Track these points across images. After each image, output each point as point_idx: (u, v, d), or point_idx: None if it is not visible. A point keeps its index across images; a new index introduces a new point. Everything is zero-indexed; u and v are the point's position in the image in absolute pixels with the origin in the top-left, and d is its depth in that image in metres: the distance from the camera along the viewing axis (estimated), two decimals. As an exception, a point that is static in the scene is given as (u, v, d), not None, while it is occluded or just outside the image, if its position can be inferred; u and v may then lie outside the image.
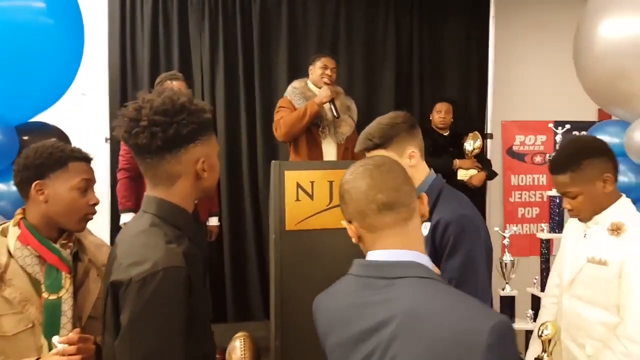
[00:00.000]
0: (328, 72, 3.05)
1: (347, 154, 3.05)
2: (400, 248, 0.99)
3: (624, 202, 1.65)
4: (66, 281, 1.37)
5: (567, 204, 1.69)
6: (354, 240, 1.06)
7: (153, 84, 3.53)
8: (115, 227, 3.47)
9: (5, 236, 1.39)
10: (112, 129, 3.53)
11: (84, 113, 3.43)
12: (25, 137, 2.30)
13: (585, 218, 1.69)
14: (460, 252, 1.39)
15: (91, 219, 1.46)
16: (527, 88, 4.05)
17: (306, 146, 2.97)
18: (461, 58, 3.90)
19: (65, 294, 1.37)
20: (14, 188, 2.08)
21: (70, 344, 1.20)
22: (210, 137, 1.19)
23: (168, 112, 1.09)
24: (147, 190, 1.18)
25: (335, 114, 2.93)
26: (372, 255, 1.01)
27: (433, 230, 1.44)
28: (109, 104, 3.55)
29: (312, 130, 2.97)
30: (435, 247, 1.44)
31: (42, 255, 1.37)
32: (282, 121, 2.92)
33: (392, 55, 3.79)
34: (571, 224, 1.85)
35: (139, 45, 3.59)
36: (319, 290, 2.01)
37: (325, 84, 2.98)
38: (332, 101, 2.93)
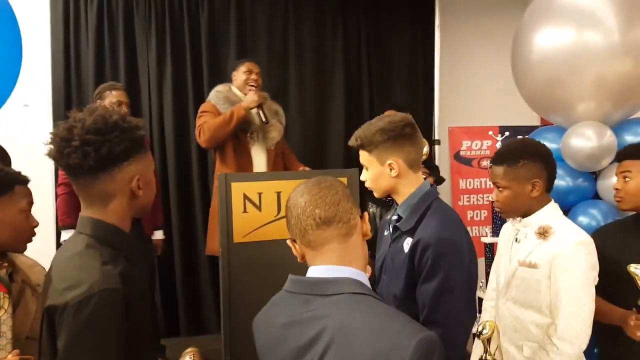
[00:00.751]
0: (253, 76, 2.95)
1: (278, 160, 3.00)
2: (338, 264, 1.01)
3: (551, 206, 1.72)
4: (4, 301, 1.35)
5: (494, 195, 1.74)
6: (299, 259, 1.08)
7: (99, 94, 3.47)
8: (59, 244, 3.37)
9: None
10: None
11: (26, 125, 3.32)
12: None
13: (506, 214, 1.76)
14: (436, 278, 1.32)
15: (31, 241, 1.47)
16: (473, 94, 4.19)
17: (233, 153, 2.86)
18: (408, 66, 4.00)
19: (4, 315, 1.34)
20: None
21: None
22: (145, 154, 1.18)
23: (100, 130, 1.08)
24: (81, 210, 1.16)
25: (264, 119, 2.85)
26: (310, 272, 1.03)
27: (412, 248, 1.38)
28: (52, 115, 3.43)
29: (239, 136, 2.86)
30: (414, 266, 1.37)
31: None
32: (206, 125, 2.78)
33: (340, 63, 3.85)
34: (505, 229, 1.91)
35: (83, 54, 3.50)
36: (268, 298, 2.04)
37: (251, 88, 2.88)
38: (260, 106, 2.83)
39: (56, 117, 3.43)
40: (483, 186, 4.00)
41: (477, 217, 3.96)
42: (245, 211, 2.13)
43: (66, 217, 2.86)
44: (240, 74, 2.99)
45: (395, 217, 1.51)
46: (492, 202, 1.78)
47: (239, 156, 2.87)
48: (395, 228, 1.49)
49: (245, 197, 2.13)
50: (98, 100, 2.95)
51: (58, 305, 1.01)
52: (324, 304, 0.97)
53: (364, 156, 1.48)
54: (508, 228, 1.88)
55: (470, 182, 3.99)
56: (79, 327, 0.99)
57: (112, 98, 2.90)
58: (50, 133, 1.12)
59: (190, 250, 3.55)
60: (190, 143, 3.58)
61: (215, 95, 2.96)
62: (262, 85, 3.03)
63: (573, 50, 2.41)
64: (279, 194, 2.16)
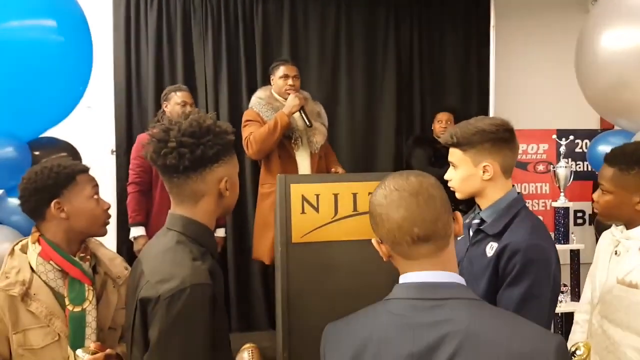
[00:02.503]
0: (290, 81, 2.90)
1: (321, 163, 2.96)
2: (441, 269, 0.97)
3: None
4: (89, 293, 1.43)
5: (595, 195, 1.63)
6: (384, 258, 1.03)
7: (157, 97, 3.58)
8: (122, 240, 3.51)
9: (25, 253, 1.44)
10: (118, 149, 3.57)
11: (90, 126, 3.47)
12: (37, 152, 2.34)
13: (604, 219, 1.66)
14: (523, 284, 1.30)
15: (109, 223, 1.53)
16: (529, 96, 4.07)
17: (278, 160, 2.84)
18: (462, 67, 3.93)
19: (89, 306, 1.42)
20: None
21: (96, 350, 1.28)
22: (232, 157, 1.25)
23: (195, 134, 1.15)
24: (172, 208, 1.23)
25: (307, 122, 2.81)
26: (410, 277, 0.98)
27: (499, 253, 1.35)
28: (114, 116, 3.59)
29: (283, 143, 2.82)
30: (498, 271, 1.35)
31: (66, 269, 1.42)
32: (253, 137, 2.76)
33: (392, 65, 3.83)
34: (605, 237, 1.76)
35: (143, 58, 3.63)
36: (325, 301, 2.06)
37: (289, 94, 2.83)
38: (301, 109, 2.79)
39: (118, 118, 3.59)
40: (539, 191, 3.88)
41: (532, 222, 3.85)
42: (303, 212, 2.16)
43: (136, 214, 2.97)
44: (277, 79, 2.96)
45: (477, 221, 1.49)
46: (594, 202, 1.66)
47: (284, 162, 2.85)
48: (478, 231, 1.47)
49: (304, 198, 2.17)
50: (164, 102, 3.06)
51: (151, 298, 1.07)
52: (440, 309, 0.92)
53: (456, 155, 1.46)
54: (608, 237, 1.73)
55: (525, 186, 3.88)
56: (170, 319, 1.04)
57: (177, 99, 3.00)
58: (148, 134, 1.20)
59: (242, 248, 3.61)
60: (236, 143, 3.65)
61: (257, 102, 2.94)
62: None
63: (640, 52, 2.32)
64: (336, 195, 2.19)
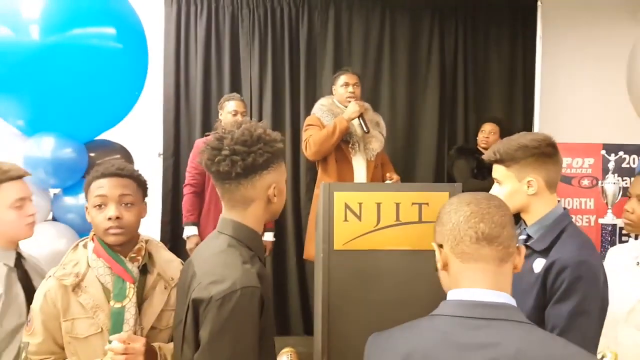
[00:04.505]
0: (350, 89, 3.01)
1: (377, 172, 3.02)
2: (491, 288, 0.95)
3: None
4: (130, 291, 1.47)
5: (629, 206, 1.66)
6: (440, 267, 1.02)
7: (205, 103, 3.70)
8: (166, 239, 3.62)
9: (86, 248, 1.53)
10: (164, 152, 3.70)
11: (139, 129, 3.59)
12: (93, 154, 2.46)
13: (634, 229, 1.69)
14: (572, 300, 1.30)
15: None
16: (575, 109, 3.99)
17: (335, 164, 2.93)
18: (507, 77, 3.88)
19: (129, 303, 1.46)
20: (82, 201, 2.25)
21: (121, 341, 1.32)
22: (281, 164, 1.29)
23: (247, 142, 1.20)
24: (223, 212, 1.28)
25: (365, 128, 2.89)
26: (459, 294, 0.97)
27: (547, 269, 1.36)
28: (163, 120, 3.72)
29: (341, 147, 2.93)
30: (545, 287, 1.36)
31: (111, 266, 1.48)
32: (312, 139, 2.89)
33: (435, 74, 3.82)
34: (616, 253, 1.81)
35: (192, 66, 3.75)
36: (364, 308, 2.08)
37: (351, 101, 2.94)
38: (360, 116, 2.89)
39: (166, 123, 3.71)
40: (584, 206, 3.78)
41: (575, 238, 3.76)
42: (346, 220, 2.18)
43: (190, 214, 3.08)
44: (338, 88, 3.06)
45: (523, 237, 1.49)
46: (627, 214, 1.69)
47: (341, 166, 2.93)
48: (525, 247, 1.47)
49: (347, 206, 2.18)
50: (220, 110, 3.18)
51: (203, 299, 1.11)
52: (489, 329, 0.90)
53: (500, 171, 1.49)
54: (621, 251, 1.78)
55: (569, 201, 3.78)
56: (222, 319, 1.09)
57: (229, 108, 3.11)
58: (203, 142, 1.26)
59: (280, 253, 3.67)
60: (285, 154, 3.71)
61: (319, 108, 3.05)
62: (361, 94, 3.09)
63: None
64: (379, 205, 2.20)
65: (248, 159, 1.19)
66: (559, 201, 1.49)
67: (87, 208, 1.53)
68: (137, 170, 1.58)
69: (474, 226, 0.96)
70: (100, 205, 1.48)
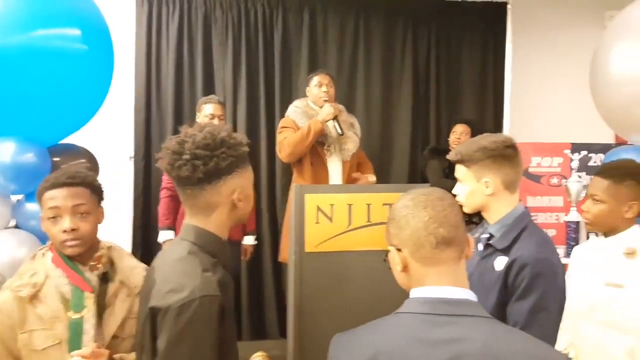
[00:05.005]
0: (324, 89, 3.02)
1: (353, 171, 3.03)
2: (452, 285, 0.98)
3: (638, 228, 1.71)
4: (88, 301, 1.44)
5: (586, 206, 1.73)
6: (400, 268, 1.02)
7: (177, 104, 3.66)
8: (138, 243, 3.56)
9: (45, 258, 1.49)
10: (136, 155, 3.64)
11: (109, 132, 3.53)
12: (57, 159, 2.40)
13: (592, 227, 1.76)
14: (532, 297, 1.35)
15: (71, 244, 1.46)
16: (544, 110, 4.09)
17: (310, 166, 2.93)
18: (478, 80, 3.95)
19: (88, 314, 1.43)
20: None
21: (83, 357, 1.29)
22: (247, 169, 1.26)
23: (209, 146, 1.17)
24: (185, 218, 1.25)
25: (339, 130, 2.90)
26: (422, 292, 0.99)
27: (508, 267, 1.40)
28: (134, 122, 3.66)
29: (316, 148, 2.94)
30: (507, 285, 1.40)
31: (68, 276, 1.44)
32: (286, 141, 2.89)
33: (409, 76, 3.86)
34: (579, 250, 1.88)
35: (164, 66, 3.70)
36: (338, 310, 2.08)
37: (325, 101, 2.96)
38: (335, 118, 2.90)
39: (137, 125, 3.65)
40: (552, 204, 3.86)
41: (545, 236, 3.84)
42: (317, 222, 2.18)
43: (165, 218, 3.02)
44: (312, 88, 3.07)
45: (485, 236, 1.52)
46: (583, 213, 1.76)
47: (316, 168, 2.93)
48: (487, 246, 1.50)
49: (318, 208, 2.19)
50: (197, 112, 3.11)
51: (161, 307, 1.09)
52: (454, 325, 0.93)
53: (461, 171, 1.53)
54: (583, 249, 1.85)
55: (539, 199, 3.85)
56: (179, 329, 1.06)
57: (206, 111, 3.03)
58: (163, 146, 1.22)
59: (256, 256, 3.63)
60: (260, 154, 3.71)
61: (294, 110, 3.05)
62: (335, 95, 3.10)
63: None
64: (350, 206, 2.20)
65: (210, 163, 1.16)
66: (520, 201, 1.52)
67: (42, 217, 1.49)
68: (91, 175, 1.54)
69: (433, 232, 0.97)
70: (54, 217, 1.44)
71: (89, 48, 2.35)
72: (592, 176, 1.77)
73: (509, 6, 3.83)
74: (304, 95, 3.19)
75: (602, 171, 1.72)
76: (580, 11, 4.14)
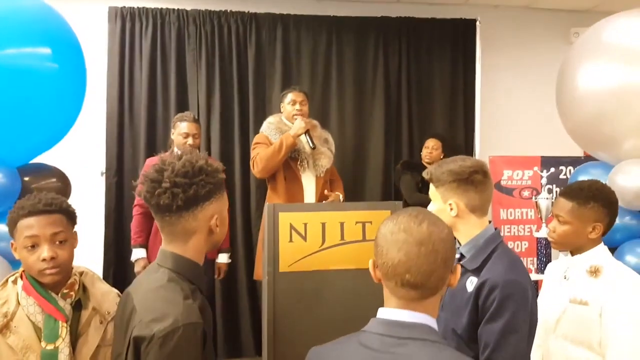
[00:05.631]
0: (297, 106, 3.03)
1: (326, 187, 3.04)
2: (414, 310, 1.01)
3: (602, 247, 1.76)
4: (62, 330, 1.40)
5: (552, 226, 1.78)
6: (375, 280, 1.07)
7: (149, 120, 3.62)
8: (111, 261, 3.52)
9: (16, 285, 1.46)
10: (107, 171, 3.60)
11: (81, 147, 3.49)
12: (27, 178, 2.35)
13: (557, 246, 1.81)
14: (502, 319, 1.35)
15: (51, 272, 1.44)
16: (514, 123, 4.19)
17: (284, 181, 2.93)
18: (449, 95, 4.02)
19: (62, 344, 1.40)
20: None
21: None
22: (223, 194, 1.28)
23: (188, 174, 1.18)
24: (162, 244, 1.25)
25: (311, 144, 2.92)
26: (385, 313, 1.03)
27: (478, 288, 1.41)
28: (106, 138, 3.62)
29: (290, 164, 2.94)
30: (478, 305, 1.41)
31: (40, 304, 1.41)
32: (259, 157, 2.89)
33: (381, 91, 3.91)
34: (552, 267, 1.94)
35: (137, 82, 3.68)
36: (312, 329, 2.08)
37: (296, 118, 2.97)
38: (307, 132, 2.92)
39: (109, 141, 3.61)
40: (525, 217, 3.95)
41: (517, 248, 3.90)
42: (291, 241, 2.18)
43: (137, 236, 2.98)
44: (286, 105, 3.08)
45: (457, 256, 1.54)
46: (549, 232, 1.80)
47: (290, 184, 2.93)
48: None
49: (292, 227, 2.19)
50: (172, 129, 3.07)
51: (145, 336, 1.08)
52: (401, 347, 0.97)
53: (432, 189, 1.56)
54: (555, 266, 1.91)
55: (511, 212, 3.94)
56: (164, 357, 1.06)
57: (180, 129, 3.00)
58: (142, 175, 1.23)
59: (231, 274, 3.60)
60: (234, 172, 3.69)
61: (267, 126, 3.06)
62: (308, 111, 3.11)
63: (620, 87, 2.41)
64: (323, 224, 2.21)
65: (190, 190, 1.17)
66: (490, 222, 1.55)
67: (12, 244, 1.46)
68: (65, 201, 1.52)
69: (400, 275, 0.99)
70: (32, 246, 1.41)
71: (60, 67, 2.31)
72: (557, 196, 1.81)
73: (478, 23, 3.92)
74: (278, 111, 3.20)
75: (566, 192, 1.76)
76: (547, 28, 4.28)
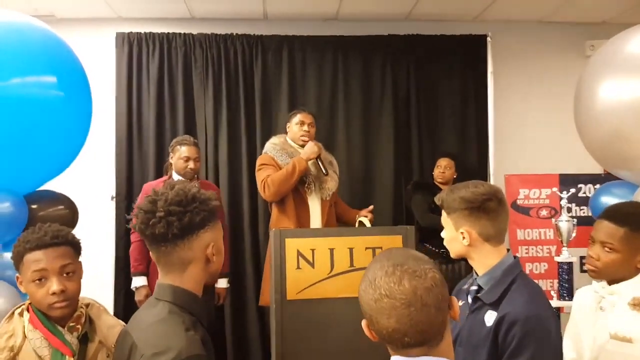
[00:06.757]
0: (305, 127, 2.97)
1: (331, 210, 2.98)
2: (426, 355, 0.95)
3: None
4: None
5: (594, 253, 1.61)
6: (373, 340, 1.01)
7: (158, 144, 3.63)
8: (120, 287, 3.48)
9: (22, 317, 1.44)
10: (117, 195, 3.60)
11: (90, 172, 3.51)
12: (34, 206, 2.34)
13: (598, 276, 1.64)
14: (523, 356, 1.28)
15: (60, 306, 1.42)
16: (529, 141, 4.06)
17: (293, 204, 2.87)
18: (460, 112, 3.93)
19: None
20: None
21: None
22: (217, 223, 1.27)
23: (182, 202, 1.19)
24: (159, 277, 1.24)
25: (323, 170, 2.87)
26: None
27: (497, 323, 1.33)
28: (115, 163, 3.63)
29: (297, 187, 2.87)
30: (497, 342, 1.33)
31: (47, 338, 1.40)
32: (270, 180, 2.80)
33: (389, 110, 3.85)
34: (582, 295, 1.76)
35: (144, 105, 3.70)
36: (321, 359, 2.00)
37: (305, 141, 2.91)
38: (318, 157, 2.87)
39: (119, 165, 3.62)
40: (542, 237, 3.81)
41: (536, 269, 3.76)
42: (298, 267, 2.13)
43: (138, 264, 2.95)
44: (293, 126, 3.02)
45: (474, 288, 1.47)
46: (589, 258, 1.64)
47: (298, 207, 2.87)
48: (476, 299, 1.44)
49: (299, 253, 2.14)
50: (171, 153, 3.07)
51: None
52: None
53: (443, 216, 1.49)
54: (586, 294, 1.73)
55: (528, 232, 3.81)
56: None
57: (180, 153, 3.00)
58: (136, 207, 1.23)
59: (239, 301, 3.56)
60: (242, 194, 3.66)
61: (272, 147, 2.98)
62: (314, 136, 3.06)
63: (637, 103, 2.31)
64: (332, 250, 2.16)
65: (184, 218, 1.17)
66: (508, 250, 1.46)
67: (18, 278, 1.44)
68: (70, 232, 1.51)
69: (399, 340, 0.93)
70: (40, 279, 1.40)
71: (65, 95, 2.31)
72: (599, 219, 1.64)
73: (488, 38, 3.85)
74: (286, 132, 3.14)
75: (614, 217, 1.60)
76: (561, 41, 4.17)
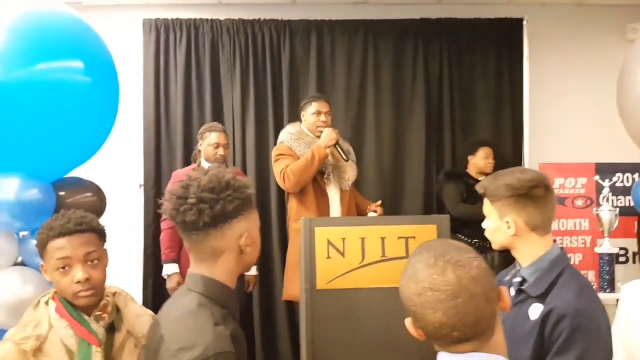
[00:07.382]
0: (322, 117, 2.87)
1: (351, 201, 2.90)
2: (479, 351, 0.90)
3: None
4: (96, 355, 1.36)
5: None
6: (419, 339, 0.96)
7: (186, 131, 3.62)
8: (148, 273, 3.49)
9: (48, 306, 1.43)
10: (146, 183, 3.60)
11: (119, 160, 3.52)
12: (62, 193, 2.34)
13: None
14: (572, 353, 1.23)
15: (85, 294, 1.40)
16: (565, 129, 3.91)
17: (314, 194, 2.79)
18: (494, 99, 3.80)
19: None
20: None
21: None
22: (252, 212, 1.22)
23: (214, 189, 1.14)
24: (191, 267, 1.21)
25: (343, 156, 2.78)
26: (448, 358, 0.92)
27: (544, 317, 1.28)
28: (143, 151, 3.63)
29: (316, 177, 2.78)
30: (543, 337, 1.28)
31: (73, 327, 1.38)
32: (290, 170, 2.72)
33: (421, 98, 3.74)
34: (631, 288, 1.70)
35: (172, 93, 3.68)
36: (351, 351, 1.96)
37: (322, 132, 2.81)
38: (337, 144, 2.77)
39: (146, 153, 3.62)
40: (578, 227, 3.68)
41: (571, 261, 3.65)
42: (328, 257, 2.07)
43: (169, 251, 2.94)
44: (308, 115, 2.92)
45: (518, 280, 1.40)
46: None
47: (318, 198, 2.80)
48: (520, 291, 1.38)
49: (329, 242, 2.08)
50: (199, 140, 3.06)
51: None
52: None
53: (486, 205, 1.43)
54: (636, 288, 1.67)
55: (563, 222, 3.68)
56: None
57: (210, 140, 2.99)
58: (167, 191, 1.20)
59: (267, 293, 3.54)
60: (270, 184, 3.62)
61: (288, 136, 2.90)
62: (337, 124, 3.02)
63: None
64: (363, 240, 2.09)
65: (216, 206, 1.12)
66: (555, 241, 1.40)
67: (42, 266, 1.42)
68: (95, 218, 1.48)
69: (448, 335, 0.89)
70: (64, 267, 1.38)
71: (93, 80, 2.30)
72: None
73: (524, 22, 3.69)
74: (300, 120, 3.05)
75: None
76: (600, 24, 3.98)
